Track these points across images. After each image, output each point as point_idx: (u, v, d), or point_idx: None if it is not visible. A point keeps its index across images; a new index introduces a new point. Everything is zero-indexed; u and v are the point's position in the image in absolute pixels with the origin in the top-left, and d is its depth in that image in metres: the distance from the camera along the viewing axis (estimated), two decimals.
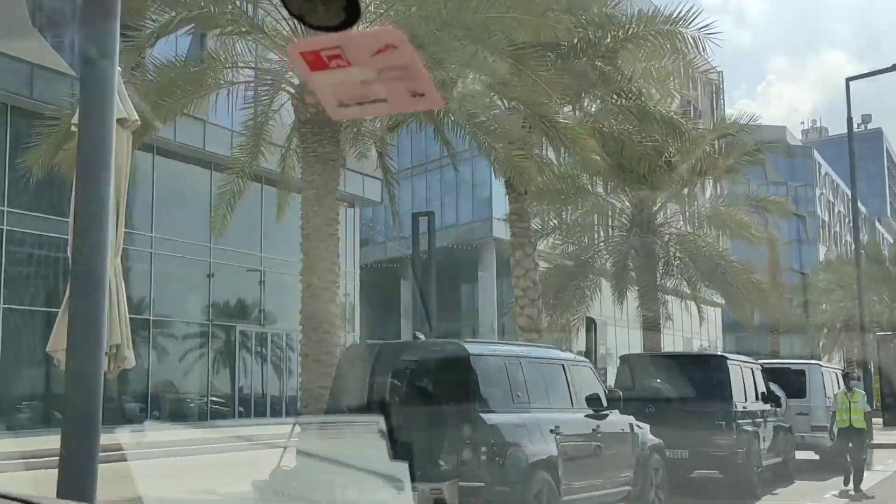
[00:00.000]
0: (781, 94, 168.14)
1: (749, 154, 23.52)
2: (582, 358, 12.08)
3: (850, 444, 15.36)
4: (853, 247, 51.74)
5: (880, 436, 28.97)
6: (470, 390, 9.06)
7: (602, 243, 24.12)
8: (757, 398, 16.08)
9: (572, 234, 24.53)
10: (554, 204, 23.18)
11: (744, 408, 15.01)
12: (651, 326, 23.16)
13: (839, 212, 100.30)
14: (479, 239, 43.23)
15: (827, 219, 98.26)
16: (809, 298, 44.55)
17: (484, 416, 8.90)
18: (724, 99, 78.72)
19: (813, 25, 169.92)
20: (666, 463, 12.66)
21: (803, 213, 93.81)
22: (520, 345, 14.30)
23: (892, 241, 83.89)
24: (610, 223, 24.15)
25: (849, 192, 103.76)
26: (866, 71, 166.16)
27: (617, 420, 11.26)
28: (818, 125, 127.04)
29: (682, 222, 24.77)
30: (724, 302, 24.43)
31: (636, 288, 23.42)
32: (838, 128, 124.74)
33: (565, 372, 10.71)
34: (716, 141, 23.47)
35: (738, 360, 16.32)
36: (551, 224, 23.73)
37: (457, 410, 8.91)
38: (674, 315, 28.14)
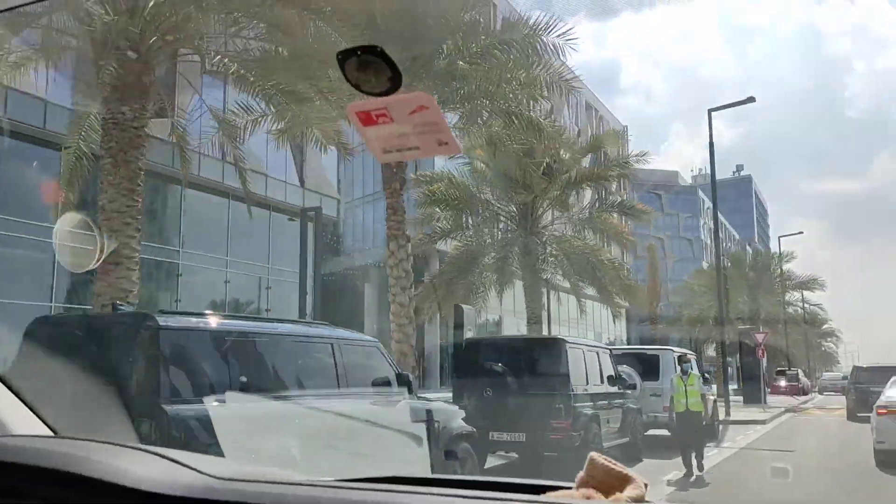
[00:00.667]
0: (680, 151, 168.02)
1: (619, 167, 19.91)
2: (369, 339, 8.25)
3: (689, 428, 11.62)
4: (724, 258, 48.94)
5: (740, 412, 25.32)
6: (153, 374, 5.31)
7: (490, 242, 20.35)
8: (602, 381, 12.27)
9: (476, 235, 20.79)
10: (452, 209, 19.53)
11: (583, 391, 11.22)
12: (534, 319, 19.43)
13: (719, 237, 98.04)
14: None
15: (709, 242, 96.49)
16: (686, 299, 41.03)
17: (168, 408, 5.14)
18: (627, 146, 75.80)
19: (703, 100, 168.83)
20: (487, 448, 8.90)
21: (691, 237, 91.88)
22: (263, 319, 10.24)
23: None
24: (498, 226, 20.37)
25: (725, 221, 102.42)
26: (740, 132, 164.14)
27: (406, 406, 7.42)
28: (704, 172, 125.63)
29: (564, 226, 21.05)
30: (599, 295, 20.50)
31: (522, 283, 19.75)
32: (720, 174, 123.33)
33: (334, 353, 6.81)
34: (590, 155, 19.84)
35: (579, 344, 12.35)
36: (447, 226, 20.00)
37: (138, 400, 5.09)
38: (587, 311, 24.99)
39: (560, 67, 15.67)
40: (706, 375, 17.12)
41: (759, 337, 27.24)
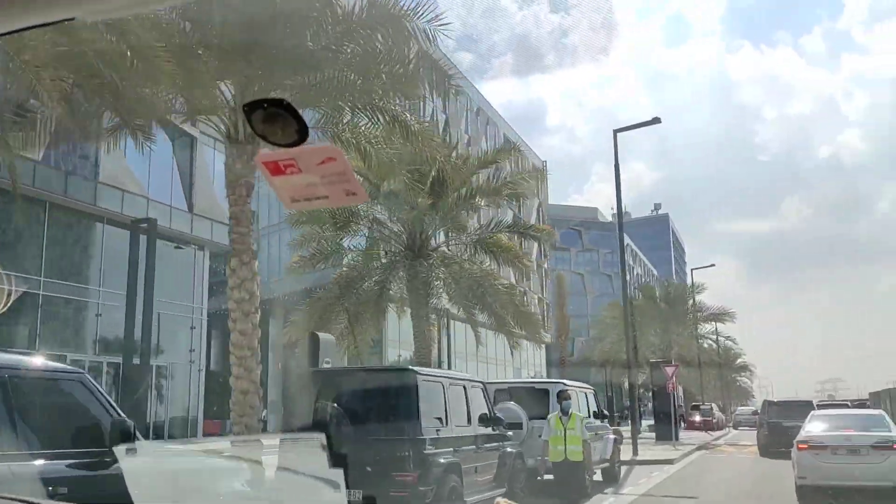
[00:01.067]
0: (601, 190, 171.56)
1: (512, 183, 18.09)
2: (69, 370, 5.61)
3: (567, 481, 9.54)
4: (640, 295, 47.88)
5: (649, 451, 23.59)
6: None
7: (375, 266, 18.01)
8: (470, 421, 9.98)
9: (361, 258, 18.52)
10: (329, 228, 17.26)
11: (440, 434, 8.92)
12: (422, 352, 17.25)
13: (637, 273, 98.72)
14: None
15: (628, 278, 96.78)
16: (599, 332, 39.74)
17: None
18: (546, 183, 75.48)
19: (623, 142, 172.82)
20: None
21: (611, 272, 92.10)
22: None
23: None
24: (383, 248, 18.13)
25: (644, 258, 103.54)
26: (660, 175, 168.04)
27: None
28: (625, 211, 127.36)
29: (457, 247, 18.98)
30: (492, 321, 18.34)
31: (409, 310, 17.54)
32: (639, 212, 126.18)
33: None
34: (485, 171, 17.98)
35: (436, 377, 10.03)
36: (328, 247, 17.68)
37: None
38: (519, 350, 22.48)
39: (447, 67, 13.70)
40: (605, 413, 15.21)
41: (669, 370, 25.76)
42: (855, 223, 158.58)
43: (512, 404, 12.99)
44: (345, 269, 18.30)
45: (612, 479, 15.09)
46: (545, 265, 71.33)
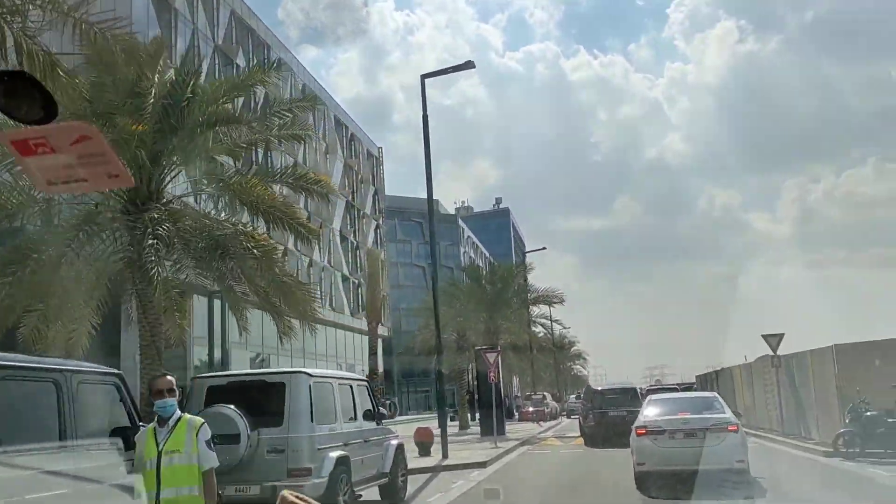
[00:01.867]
0: (449, 188, 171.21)
1: (284, 112, 13.59)
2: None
3: None
4: (465, 278, 44.87)
5: (465, 451, 20.06)
6: None
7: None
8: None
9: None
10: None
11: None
12: (147, 342, 12.47)
13: (478, 264, 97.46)
14: None
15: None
16: (426, 320, 36.18)
17: None
18: (382, 169, 71.68)
19: (468, 140, 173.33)
20: None
21: (451, 265, 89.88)
22: None
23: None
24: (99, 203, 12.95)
25: (483, 249, 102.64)
26: (503, 173, 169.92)
27: None
28: (466, 205, 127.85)
29: (209, 201, 14.24)
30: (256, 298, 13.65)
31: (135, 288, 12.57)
32: (482, 206, 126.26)
33: None
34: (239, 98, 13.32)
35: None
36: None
37: None
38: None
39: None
40: (383, 412, 11.26)
41: (491, 357, 22.42)
42: (677, 221, 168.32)
43: (227, 409, 8.64)
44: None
45: (391, 496, 11.15)
46: (382, 255, 67.41)
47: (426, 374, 63.46)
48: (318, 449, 8.81)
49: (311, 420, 8.84)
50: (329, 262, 55.35)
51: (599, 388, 24.79)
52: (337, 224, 58.00)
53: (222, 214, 14.19)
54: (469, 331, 31.57)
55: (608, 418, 21.16)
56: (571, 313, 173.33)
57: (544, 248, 49.33)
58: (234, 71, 42.74)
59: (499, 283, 31.43)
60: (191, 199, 15.27)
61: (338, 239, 57.64)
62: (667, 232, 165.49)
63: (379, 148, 70.65)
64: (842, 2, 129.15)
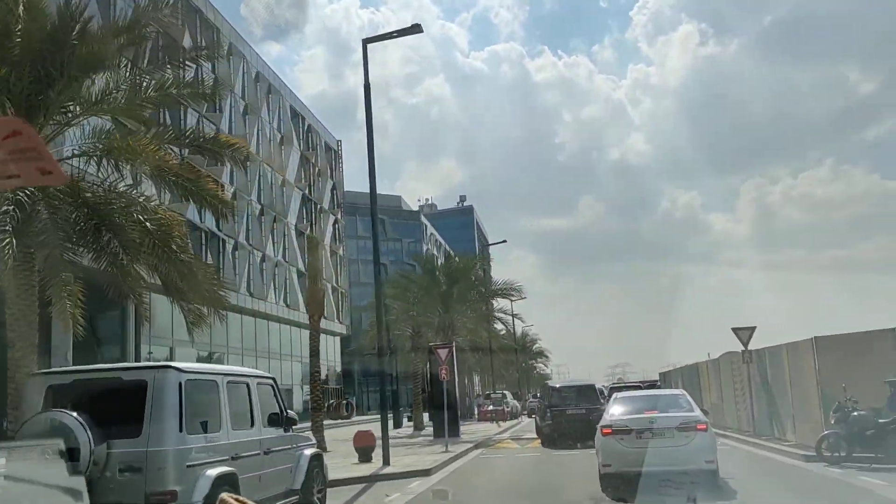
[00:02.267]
0: (414, 187, 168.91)
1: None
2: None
3: None
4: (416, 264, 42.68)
5: (411, 456, 18.10)
6: None
7: None
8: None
9: None
10: None
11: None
12: (19, 332, 10.24)
13: (433, 254, 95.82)
14: None
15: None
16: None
17: None
18: (341, 162, 69.23)
19: (433, 141, 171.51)
20: None
21: (415, 263, 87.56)
22: None
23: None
24: None
25: (447, 246, 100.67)
26: (468, 173, 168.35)
27: None
28: (430, 202, 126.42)
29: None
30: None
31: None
32: (447, 205, 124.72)
33: None
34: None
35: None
36: None
37: None
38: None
39: None
40: (291, 417, 9.21)
41: (443, 353, 20.43)
42: (640, 221, 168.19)
43: (64, 415, 6.54)
44: None
45: None
46: (340, 251, 65.08)
47: (371, 373, 61.33)
48: (189, 466, 6.74)
49: (181, 429, 6.76)
50: (284, 257, 52.84)
51: (557, 385, 23.58)
52: (293, 218, 55.51)
53: (121, 185, 11.93)
54: (424, 327, 29.55)
55: (566, 416, 20.13)
56: (536, 312, 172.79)
57: (505, 241, 47.32)
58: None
59: (456, 276, 29.34)
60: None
61: (293, 233, 55.13)
62: (630, 232, 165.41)
63: (338, 141, 68.25)
64: (799, 6, 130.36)
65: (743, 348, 18.22)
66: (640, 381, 38.31)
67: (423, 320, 29.89)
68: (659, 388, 29.05)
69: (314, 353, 21.18)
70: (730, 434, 19.95)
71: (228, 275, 40.04)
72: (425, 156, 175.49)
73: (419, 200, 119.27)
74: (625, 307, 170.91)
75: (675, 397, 12.43)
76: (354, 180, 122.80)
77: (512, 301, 36.80)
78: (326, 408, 56.00)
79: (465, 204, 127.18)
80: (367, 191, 17.31)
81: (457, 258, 33.21)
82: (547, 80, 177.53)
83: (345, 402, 55.14)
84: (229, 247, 43.47)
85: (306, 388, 57.84)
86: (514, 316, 39.95)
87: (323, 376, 61.12)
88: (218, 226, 43.32)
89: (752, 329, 18.11)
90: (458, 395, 25.81)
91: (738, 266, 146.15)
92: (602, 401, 20.30)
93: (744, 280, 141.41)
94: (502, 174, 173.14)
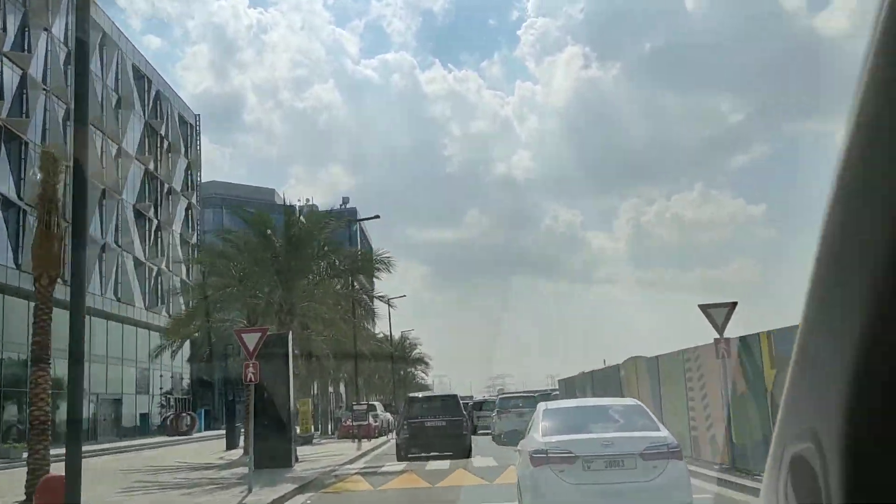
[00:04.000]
0: (301, 193, 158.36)
1: None
2: None
3: None
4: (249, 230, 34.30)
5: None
6: None
7: None
8: None
9: None
10: None
11: None
12: None
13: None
14: None
15: None
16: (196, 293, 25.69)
17: None
18: (199, 140, 59.38)
19: (321, 146, 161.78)
20: None
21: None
22: None
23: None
24: None
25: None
26: (357, 181, 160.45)
27: None
28: (311, 203, 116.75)
29: None
30: None
31: None
32: (329, 205, 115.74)
33: None
34: None
35: None
36: None
37: None
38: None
39: None
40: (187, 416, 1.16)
41: (251, 339, 12.62)
42: (524, 236, 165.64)
43: None
44: None
45: None
46: (193, 239, 55.22)
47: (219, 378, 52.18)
48: None
49: None
50: (115, 240, 42.82)
51: (419, 396, 22.46)
52: (130, 196, 45.46)
53: None
54: (263, 316, 21.47)
55: (425, 429, 19.03)
56: (421, 323, 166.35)
57: (378, 217, 39.81)
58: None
59: (298, 242, 21.16)
60: None
61: (129, 213, 45.11)
62: (514, 246, 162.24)
63: (196, 115, 58.45)
64: (677, 35, 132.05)
65: (717, 335, 11.52)
66: (530, 392, 31.79)
67: (255, 303, 21.75)
68: (557, 397, 23.45)
69: (42, 333, 12.77)
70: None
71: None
72: (312, 161, 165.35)
73: (298, 200, 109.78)
74: (507, 320, 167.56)
75: (627, 409, 8.61)
76: (234, 178, 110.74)
77: (374, 278, 29.33)
78: (165, 422, 46.45)
79: (348, 206, 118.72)
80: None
81: (302, 218, 25.08)
82: (436, 93, 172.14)
83: (185, 415, 45.60)
84: (30, 219, 33.56)
85: (145, 397, 47.90)
86: (388, 302, 32.32)
87: (167, 386, 51.33)
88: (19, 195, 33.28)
89: (732, 306, 11.48)
90: (291, 407, 17.93)
91: (615, 283, 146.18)
92: (464, 413, 20.08)
93: (619, 297, 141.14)
94: (391, 183, 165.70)
